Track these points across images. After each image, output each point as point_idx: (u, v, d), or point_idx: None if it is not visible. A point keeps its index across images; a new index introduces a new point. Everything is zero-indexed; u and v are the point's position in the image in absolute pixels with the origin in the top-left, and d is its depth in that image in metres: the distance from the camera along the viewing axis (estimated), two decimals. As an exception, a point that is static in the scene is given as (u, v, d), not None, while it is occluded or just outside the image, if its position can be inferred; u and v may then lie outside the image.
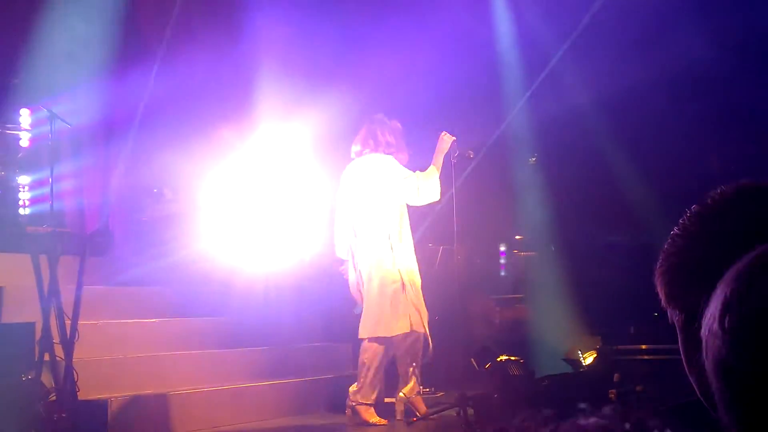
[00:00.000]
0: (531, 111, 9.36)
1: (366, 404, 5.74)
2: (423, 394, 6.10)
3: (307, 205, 9.19)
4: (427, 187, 5.75)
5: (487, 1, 9.77)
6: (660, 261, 1.06)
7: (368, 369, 5.73)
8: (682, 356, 1.09)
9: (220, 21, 10.29)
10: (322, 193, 10.19)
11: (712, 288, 0.88)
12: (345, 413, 5.93)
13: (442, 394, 6.87)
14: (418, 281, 5.79)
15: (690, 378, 1.08)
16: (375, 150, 5.90)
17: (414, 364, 5.79)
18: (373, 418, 5.71)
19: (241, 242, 8.46)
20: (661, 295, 1.07)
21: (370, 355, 5.74)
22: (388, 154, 5.90)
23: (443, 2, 9.55)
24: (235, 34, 10.36)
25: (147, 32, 9.82)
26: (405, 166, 5.89)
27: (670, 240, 1.06)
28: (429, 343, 5.79)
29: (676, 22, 8.40)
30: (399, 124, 6.02)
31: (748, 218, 0.99)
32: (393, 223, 5.76)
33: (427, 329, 5.74)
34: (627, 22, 8.39)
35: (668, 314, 1.08)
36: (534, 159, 9.54)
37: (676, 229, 1.06)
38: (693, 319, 0.97)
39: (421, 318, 5.71)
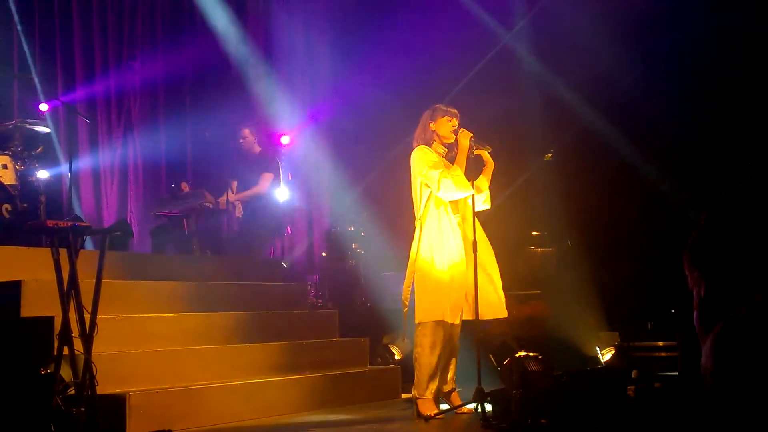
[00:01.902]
0: (546, 104, 9.33)
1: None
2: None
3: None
4: (446, 185, 5.68)
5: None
6: (691, 238, 1.11)
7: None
8: (696, 323, 1.13)
9: (238, 10, 10.29)
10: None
11: (733, 266, 0.92)
12: (363, 407, 5.93)
13: (459, 389, 6.87)
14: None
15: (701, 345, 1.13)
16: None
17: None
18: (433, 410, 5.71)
19: (258, 236, 8.48)
20: (686, 266, 1.11)
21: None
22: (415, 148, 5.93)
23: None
24: (255, 23, 10.38)
25: (162, 21, 9.84)
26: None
27: (701, 221, 1.11)
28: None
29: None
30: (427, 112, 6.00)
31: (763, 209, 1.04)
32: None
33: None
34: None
35: (689, 284, 1.13)
36: (550, 155, 9.50)
37: (705, 211, 1.11)
38: (713, 293, 1.03)
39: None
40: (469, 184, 5.70)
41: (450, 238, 5.71)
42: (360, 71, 9.86)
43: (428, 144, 5.89)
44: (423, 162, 5.77)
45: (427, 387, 5.73)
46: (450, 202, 5.78)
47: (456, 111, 5.94)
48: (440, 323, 5.68)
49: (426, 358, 5.72)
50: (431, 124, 5.89)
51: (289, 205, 8.88)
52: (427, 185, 5.72)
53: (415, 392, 5.77)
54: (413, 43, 9.56)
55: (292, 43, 10.58)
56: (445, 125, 5.87)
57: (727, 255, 1.04)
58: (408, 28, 9.65)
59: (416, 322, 5.71)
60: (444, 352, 5.78)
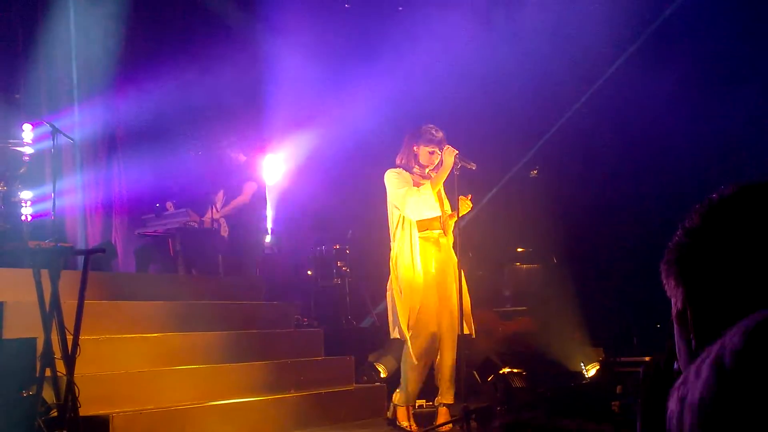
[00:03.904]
0: (533, 122, 9.38)
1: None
2: (426, 407, 6.10)
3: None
4: (410, 204, 5.76)
5: (486, 13, 9.79)
6: (667, 252, 1.11)
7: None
8: (678, 347, 1.12)
9: (223, 37, 10.32)
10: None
11: (713, 282, 0.96)
12: (348, 425, 5.95)
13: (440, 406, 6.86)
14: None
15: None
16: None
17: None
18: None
19: (244, 255, 8.48)
20: (666, 282, 1.11)
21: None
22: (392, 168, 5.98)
23: (445, 17, 9.57)
24: (241, 50, 10.40)
25: (149, 47, 9.85)
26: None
27: (676, 236, 1.11)
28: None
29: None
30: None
31: (749, 217, 1.03)
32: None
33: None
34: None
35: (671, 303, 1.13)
36: (536, 171, 9.54)
37: (681, 225, 1.11)
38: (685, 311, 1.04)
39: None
40: (436, 204, 5.76)
41: (413, 258, 5.78)
42: (348, 92, 9.88)
43: (406, 165, 5.93)
44: (392, 184, 5.84)
45: (408, 397, 5.84)
46: (419, 221, 5.82)
47: (441, 136, 5.93)
48: (420, 337, 5.73)
49: (406, 372, 5.83)
50: (414, 147, 5.93)
51: (275, 224, 8.88)
52: (396, 207, 5.79)
53: (396, 398, 5.92)
54: (402, 66, 9.61)
55: (279, 62, 10.60)
56: (426, 156, 5.90)
57: (706, 264, 1.04)
58: (399, 51, 9.70)
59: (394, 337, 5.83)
60: (425, 365, 5.83)
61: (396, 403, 5.93)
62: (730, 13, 8.35)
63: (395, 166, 5.98)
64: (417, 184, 5.85)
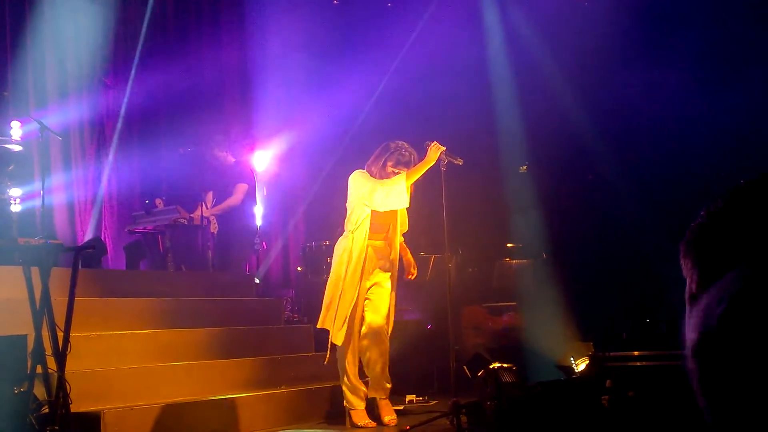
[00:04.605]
0: (522, 118, 9.39)
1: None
2: (416, 402, 6.12)
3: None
4: (377, 195, 5.80)
5: (476, 9, 9.80)
6: (687, 233, 1.14)
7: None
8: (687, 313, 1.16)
9: (212, 29, 10.31)
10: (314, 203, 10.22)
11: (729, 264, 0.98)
12: (338, 422, 5.98)
13: (435, 402, 6.89)
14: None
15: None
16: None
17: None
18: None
19: (236, 250, 8.48)
20: (683, 262, 1.14)
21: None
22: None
23: (433, 12, 9.59)
24: (229, 45, 10.39)
25: (136, 44, 9.83)
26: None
27: (699, 217, 1.14)
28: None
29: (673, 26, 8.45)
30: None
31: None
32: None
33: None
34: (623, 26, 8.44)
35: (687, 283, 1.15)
36: (525, 167, 9.56)
37: (705, 207, 1.14)
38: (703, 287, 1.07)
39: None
40: (405, 196, 5.78)
41: (356, 258, 5.89)
42: (336, 86, 9.89)
43: (377, 174, 5.95)
44: (359, 182, 5.91)
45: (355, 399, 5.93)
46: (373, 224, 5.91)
47: (412, 158, 5.94)
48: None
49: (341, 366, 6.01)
50: (389, 165, 5.93)
51: (265, 221, 8.88)
52: (365, 201, 5.82)
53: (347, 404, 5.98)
54: (390, 61, 9.62)
55: (267, 58, 10.59)
56: (392, 172, 5.92)
57: (722, 247, 1.06)
58: (386, 43, 9.71)
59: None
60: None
61: (351, 407, 5.96)
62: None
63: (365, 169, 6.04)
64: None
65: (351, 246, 5.89)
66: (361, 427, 5.86)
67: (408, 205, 5.90)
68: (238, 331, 6.74)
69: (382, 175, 5.93)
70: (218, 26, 10.55)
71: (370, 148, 6.20)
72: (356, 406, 5.93)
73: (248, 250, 8.71)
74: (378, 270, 5.98)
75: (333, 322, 5.85)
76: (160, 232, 8.31)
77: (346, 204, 6.04)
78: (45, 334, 4.53)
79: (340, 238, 6.06)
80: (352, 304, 5.84)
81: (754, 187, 1.10)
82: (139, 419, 5.20)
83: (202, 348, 6.36)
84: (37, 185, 8.04)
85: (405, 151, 5.94)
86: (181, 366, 6.00)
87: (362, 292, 5.91)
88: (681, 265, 1.14)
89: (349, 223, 5.97)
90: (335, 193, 9.96)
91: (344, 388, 5.96)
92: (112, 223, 9.42)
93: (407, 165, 5.90)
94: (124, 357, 5.76)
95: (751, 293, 0.91)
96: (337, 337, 5.83)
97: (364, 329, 5.89)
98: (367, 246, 5.91)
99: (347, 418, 5.99)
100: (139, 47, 9.80)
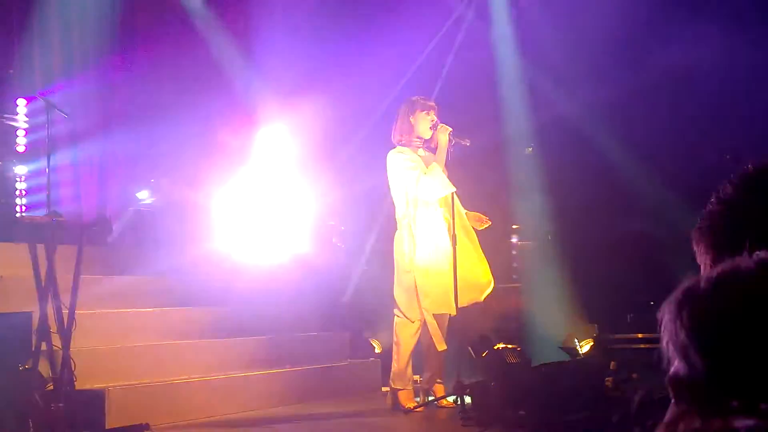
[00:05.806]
0: (529, 100, 9.35)
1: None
2: (419, 383, 6.13)
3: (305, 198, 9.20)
4: (424, 185, 5.72)
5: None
6: (700, 219, 1.14)
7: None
8: None
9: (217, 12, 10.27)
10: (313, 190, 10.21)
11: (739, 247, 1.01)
12: (343, 400, 5.98)
13: (439, 381, 6.89)
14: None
15: None
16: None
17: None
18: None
19: (242, 232, 8.48)
20: (696, 248, 1.15)
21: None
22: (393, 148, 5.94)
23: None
24: (237, 29, 10.35)
25: (143, 22, 9.80)
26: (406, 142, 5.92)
27: (709, 203, 1.15)
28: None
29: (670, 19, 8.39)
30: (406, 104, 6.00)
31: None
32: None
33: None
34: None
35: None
36: (531, 149, 9.53)
37: (714, 194, 1.15)
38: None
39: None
40: (448, 182, 5.72)
41: (442, 235, 5.76)
42: (343, 68, 9.84)
43: (407, 138, 5.88)
44: (400, 164, 5.78)
45: (407, 379, 5.78)
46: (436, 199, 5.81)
47: (434, 104, 5.93)
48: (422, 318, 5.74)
49: (407, 350, 5.77)
50: (411, 118, 5.88)
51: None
52: (408, 187, 5.74)
53: (393, 384, 5.81)
54: (397, 42, 9.56)
55: (272, 40, 10.54)
56: (424, 120, 5.85)
57: (736, 232, 1.06)
58: (388, 27, 9.64)
59: (421, 316, 5.76)
60: (424, 344, 5.85)
61: (398, 387, 5.84)
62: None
63: (393, 146, 5.94)
64: (422, 159, 5.84)
65: (427, 226, 5.76)
66: (409, 409, 5.74)
67: (455, 189, 5.80)
68: (243, 311, 6.74)
69: (414, 132, 5.86)
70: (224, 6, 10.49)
71: (374, 129, 6.16)
72: (406, 386, 5.86)
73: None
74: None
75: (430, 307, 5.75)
76: (165, 210, 8.30)
77: (392, 193, 5.91)
78: (50, 311, 4.54)
79: (402, 224, 5.84)
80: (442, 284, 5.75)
81: (763, 171, 1.09)
82: (143, 397, 5.22)
83: (206, 327, 6.37)
84: (42, 163, 8.05)
85: (424, 99, 5.94)
86: (186, 344, 6.01)
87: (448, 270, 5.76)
88: (694, 251, 1.13)
89: (402, 206, 5.82)
90: (341, 174, 9.96)
91: (402, 365, 5.85)
92: (117, 201, 9.42)
93: (433, 109, 5.86)
94: (129, 335, 5.77)
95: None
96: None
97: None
98: (438, 221, 5.82)
99: (391, 398, 5.88)
100: (145, 25, 9.77)
